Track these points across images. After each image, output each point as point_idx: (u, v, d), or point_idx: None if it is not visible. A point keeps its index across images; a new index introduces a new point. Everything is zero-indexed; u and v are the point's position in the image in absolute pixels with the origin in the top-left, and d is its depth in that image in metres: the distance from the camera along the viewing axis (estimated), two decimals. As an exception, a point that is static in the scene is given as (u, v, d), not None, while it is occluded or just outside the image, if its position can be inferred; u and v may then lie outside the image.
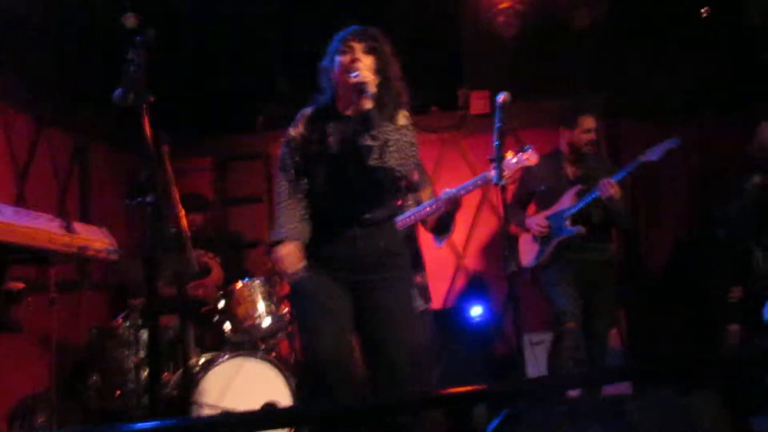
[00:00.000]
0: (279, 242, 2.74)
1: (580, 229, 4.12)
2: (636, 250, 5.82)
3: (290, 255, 2.71)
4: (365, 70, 2.70)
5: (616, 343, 5.11)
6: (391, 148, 2.65)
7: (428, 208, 3.75)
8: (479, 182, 3.70)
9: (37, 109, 5.00)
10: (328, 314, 2.74)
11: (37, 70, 4.91)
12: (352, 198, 2.78)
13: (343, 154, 2.75)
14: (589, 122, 4.26)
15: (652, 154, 4.05)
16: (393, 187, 2.87)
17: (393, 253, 2.83)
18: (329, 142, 2.79)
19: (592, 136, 4.27)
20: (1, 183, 4.61)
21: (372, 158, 2.65)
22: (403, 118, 2.82)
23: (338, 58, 2.78)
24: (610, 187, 4.01)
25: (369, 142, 2.64)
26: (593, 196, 4.08)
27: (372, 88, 2.68)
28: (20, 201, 4.72)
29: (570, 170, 4.32)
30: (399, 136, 2.70)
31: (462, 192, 3.69)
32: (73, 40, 4.97)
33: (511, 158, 3.59)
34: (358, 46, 2.77)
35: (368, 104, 2.67)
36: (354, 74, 2.69)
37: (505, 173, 3.32)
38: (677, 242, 5.72)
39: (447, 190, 3.70)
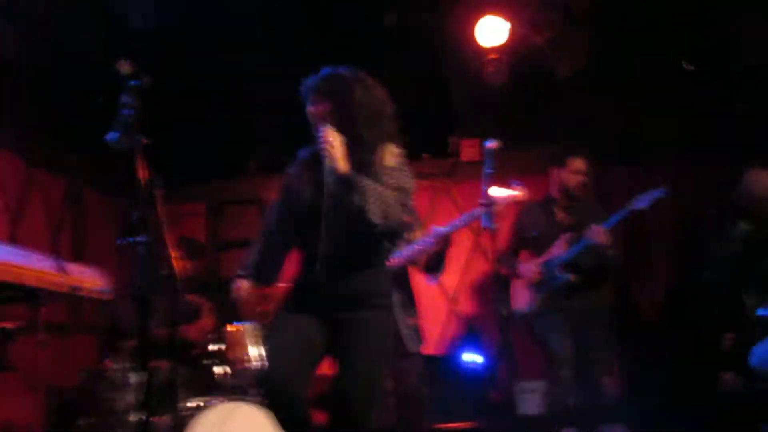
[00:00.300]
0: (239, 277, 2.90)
1: (570, 277, 4.14)
2: (627, 297, 5.83)
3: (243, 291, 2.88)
4: (330, 132, 2.63)
5: (611, 390, 5.08)
6: (372, 205, 2.54)
7: (419, 247, 3.80)
8: (468, 219, 3.77)
9: (29, 152, 5.05)
10: (287, 349, 2.75)
11: (29, 114, 4.99)
12: (333, 242, 2.69)
13: (325, 204, 2.68)
14: (578, 164, 4.31)
15: (640, 203, 4.10)
16: (375, 236, 2.73)
17: (373, 294, 2.77)
18: (312, 190, 2.77)
19: (581, 177, 4.30)
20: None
21: (352, 216, 2.58)
22: (390, 156, 2.71)
23: (308, 108, 2.79)
24: (600, 234, 4.04)
25: (351, 201, 2.56)
26: (584, 243, 4.11)
27: (336, 153, 2.60)
28: (13, 242, 4.75)
29: (561, 216, 4.36)
30: (381, 189, 2.59)
31: (451, 229, 3.75)
32: (64, 85, 5.05)
33: (501, 193, 3.66)
34: (319, 97, 2.75)
35: (341, 167, 2.59)
36: (319, 136, 2.64)
37: (495, 207, 3.38)
38: (669, 290, 5.73)
39: (436, 228, 3.76)
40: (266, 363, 2.91)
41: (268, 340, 2.86)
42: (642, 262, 5.85)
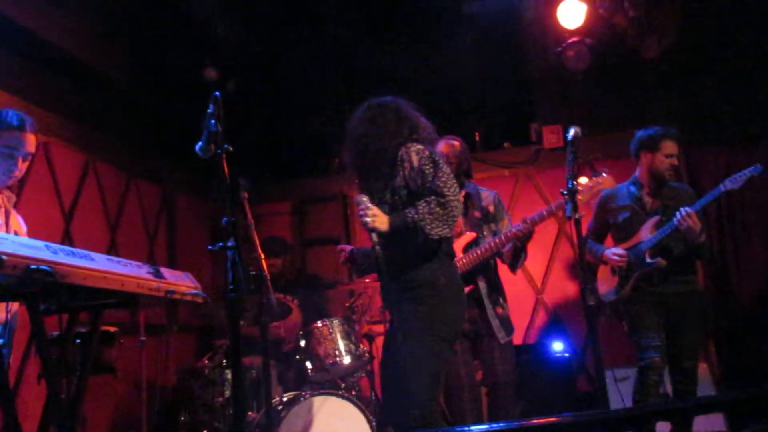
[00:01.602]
0: None
1: (659, 261, 4.00)
2: (725, 281, 5.61)
3: None
4: (362, 201, 2.87)
5: (705, 378, 4.92)
6: (429, 226, 2.80)
7: (503, 238, 3.78)
8: (552, 210, 3.72)
9: (127, 162, 5.31)
10: None
11: (126, 128, 5.24)
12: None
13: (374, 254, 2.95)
14: (671, 147, 4.14)
15: (733, 183, 3.92)
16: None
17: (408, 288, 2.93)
18: None
19: (674, 161, 4.14)
20: (95, 233, 4.90)
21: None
22: (415, 156, 2.92)
23: None
24: (687, 218, 3.89)
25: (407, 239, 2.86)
26: (672, 227, 3.97)
27: (374, 219, 2.84)
28: (113, 249, 5.01)
29: (648, 200, 4.22)
30: (423, 209, 2.81)
31: (536, 220, 3.72)
32: (155, 97, 5.28)
33: (586, 183, 3.59)
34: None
35: (382, 226, 2.85)
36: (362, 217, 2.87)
37: (580, 198, 3.33)
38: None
39: (525, 218, 3.75)
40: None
41: None
42: (739, 246, 5.61)
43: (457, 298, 2.98)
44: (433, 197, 2.81)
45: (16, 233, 2.93)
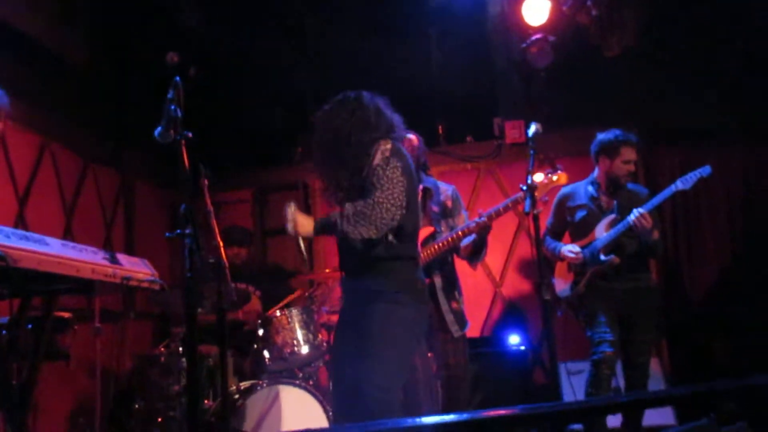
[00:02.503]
0: None
1: (613, 258, 4.09)
2: (678, 278, 5.74)
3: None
4: (287, 210, 2.94)
5: (657, 372, 5.04)
6: (349, 230, 2.81)
7: (460, 233, 3.80)
8: (510, 204, 3.75)
9: (85, 147, 5.22)
10: None
11: (85, 112, 5.14)
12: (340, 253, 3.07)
13: None
14: (629, 153, 4.22)
15: (684, 183, 4.03)
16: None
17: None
18: None
19: (631, 167, 4.23)
20: (50, 217, 4.82)
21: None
22: (379, 154, 2.90)
23: None
24: (641, 219, 3.99)
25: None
26: (626, 225, 4.06)
27: (294, 225, 2.92)
28: (68, 234, 4.92)
29: (604, 200, 4.31)
30: (350, 212, 2.82)
31: (493, 214, 3.74)
32: (115, 81, 5.19)
33: (541, 180, 3.64)
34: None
35: (304, 231, 2.93)
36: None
37: (537, 192, 3.37)
38: (720, 270, 5.62)
39: (480, 212, 3.77)
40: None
41: None
42: (692, 244, 5.74)
43: (410, 303, 2.94)
44: (364, 200, 2.83)
45: None
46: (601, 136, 4.31)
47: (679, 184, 4.04)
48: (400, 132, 3.08)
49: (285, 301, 4.76)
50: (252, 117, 6.05)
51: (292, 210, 2.90)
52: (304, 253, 2.89)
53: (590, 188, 4.33)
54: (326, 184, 3.07)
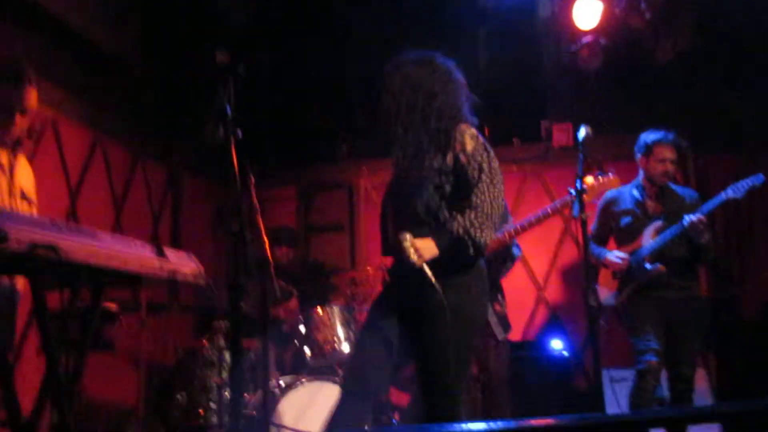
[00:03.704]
0: None
1: (659, 267, 4.00)
2: (728, 289, 5.59)
3: None
4: (403, 240, 2.54)
5: (702, 385, 4.90)
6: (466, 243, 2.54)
7: (504, 234, 3.78)
8: (558, 207, 3.71)
9: (135, 142, 5.31)
10: None
11: (135, 108, 5.24)
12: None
13: None
14: (664, 152, 4.13)
15: (735, 192, 3.91)
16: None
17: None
18: None
19: (666, 166, 4.13)
20: (100, 211, 4.92)
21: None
22: (469, 140, 2.64)
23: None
24: (699, 222, 3.88)
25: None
26: (673, 233, 3.96)
27: (416, 256, 2.53)
28: (117, 227, 5.01)
29: (650, 205, 4.21)
30: (460, 225, 2.55)
31: (540, 217, 3.70)
32: (165, 79, 5.27)
33: (592, 182, 3.58)
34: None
35: (420, 260, 2.55)
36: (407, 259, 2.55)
37: (586, 198, 3.32)
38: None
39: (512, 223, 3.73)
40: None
41: None
42: (744, 255, 5.58)
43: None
44: (477, 198, 2.57)
45: (22, 191, 2.90)
46: (641, 136, 4.24)
47: (730, 192, 3.93)
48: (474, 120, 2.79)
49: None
50: (297, 115, 6.09)
51: (408, 239, 2.52)
52: (432, 278, 2.52)
53: (635, 192, 4.23)
54: (400, 147, 2.70)
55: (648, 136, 4.21)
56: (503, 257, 3.87)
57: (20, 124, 2.86)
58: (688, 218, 3.89)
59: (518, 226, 3.74)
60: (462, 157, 2.61)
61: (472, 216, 2.55)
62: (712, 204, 3.96)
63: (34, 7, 4.12)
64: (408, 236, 2.54)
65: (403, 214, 2.71)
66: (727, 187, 3.95)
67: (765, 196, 5.30)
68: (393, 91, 2.74)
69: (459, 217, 2.57)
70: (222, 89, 2.56)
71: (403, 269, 2.60)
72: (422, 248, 2.53)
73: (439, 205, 2.63)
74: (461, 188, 2.63)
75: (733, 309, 5.50)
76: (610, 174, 3.72)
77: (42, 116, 4.46)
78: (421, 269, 2.52)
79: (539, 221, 3.74)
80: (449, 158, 2.64)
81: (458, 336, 2.57)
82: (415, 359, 2.72)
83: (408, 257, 2.51)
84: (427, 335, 2.63)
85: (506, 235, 3.78)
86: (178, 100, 5.42)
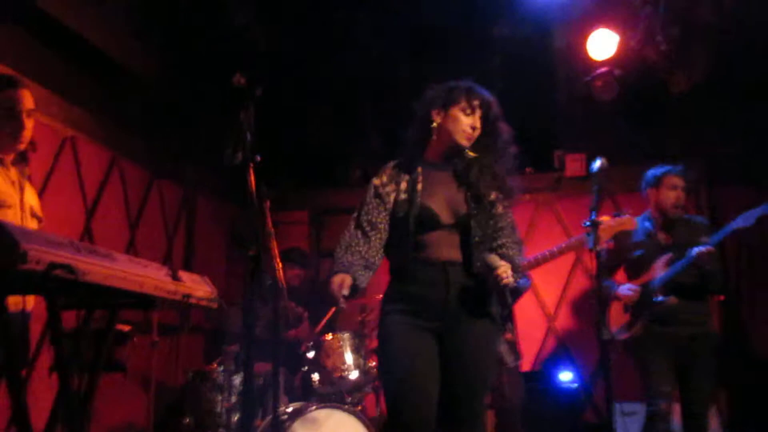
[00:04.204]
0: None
1: (670, 299, 3.96)
2: (738, 325, 5.54)
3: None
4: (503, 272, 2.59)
5: (714, 425, 4.83)
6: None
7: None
8: (573, 244, 3.69)
9: (151, 162, 5.35)
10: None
11: (152, 128, 5.28)
12: None
13: None
14: (675, 180, 4.12)
15: (744, 221, 3.86)
16: None
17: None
18: None
19: (679, 193, 4.11)
20: (115, 230, 4.94)
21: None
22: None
23: (461, 117, 2.80)
24: (706, 254, 3.85)
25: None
26: (683, 265, 3.92)
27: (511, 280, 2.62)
28: (131, 246, 5.03)
29: (662, 236, 4.18)
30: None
31: (555, 253, 3.69)
32: (181, 100, 5.32)
33: (607, 221, 3.56)
34: (478, 113, 2.81)
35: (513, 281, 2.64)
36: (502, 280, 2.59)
37: (602, 237, 3.30)
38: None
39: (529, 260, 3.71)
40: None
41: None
42: (756, 290, 5.53)
43: None
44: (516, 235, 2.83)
45: (32, 209, 2.91)
46: (648, 171, 4.23)
47: (740, 221, 3.87)
48: None
49: (325, 320, 4.75)
50: (311, 140, 6.12)
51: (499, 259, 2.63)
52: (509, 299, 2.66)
53: (647, 224, 4.21)
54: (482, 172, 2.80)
55: (656, 170, 4.22)
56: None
57: (29, 127, 2.85)
58: (696, 250, 3.87)
59: (533, 260, 3.72)
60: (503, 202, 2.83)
61: (520, 244, 2.80)
62: (722, 233, 3.92)
63: (54, 24, 4.16)
64: (495, 256, 2.65)
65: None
66: (737, 217, 3.90)
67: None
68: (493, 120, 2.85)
69: (515, 248, 2.76)
70: (242, 113, 2.58)
71: (474, 288, 2.68)
72: (509, 270, 2.60)
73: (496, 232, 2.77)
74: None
75: (743, 347, 5.44)
76: (626, 214, 3.69)
77: (61, 134, 4.51)
78: (506, 289, 2.57)
79: (554, 256, 3.72)
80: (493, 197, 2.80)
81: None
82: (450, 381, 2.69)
83: (504, 277, 2.55)
84: (480, 359, 2.70)
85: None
86: (194, 122, 5.47)
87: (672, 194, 4.10)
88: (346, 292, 2.69)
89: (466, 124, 2.78)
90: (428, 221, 2.75)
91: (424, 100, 2.91)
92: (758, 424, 5.17)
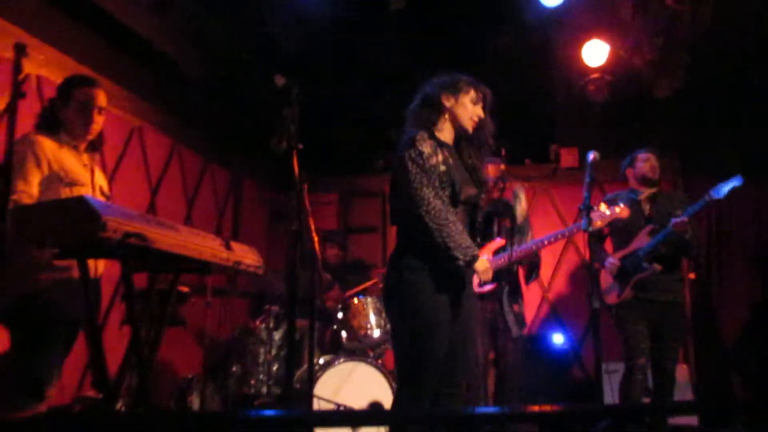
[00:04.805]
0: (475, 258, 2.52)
1: (655, 266, 3.92)
2: (708, 298, 5.49)
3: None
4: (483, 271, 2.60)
5: (683, 378, 4.82)
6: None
7: (523, 250, 3.77)
8: (570, 232, 3.70)
9: (205, 149, 5.37)
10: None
11: (206, 119, 5.29)
12: None
13: None
14: (643, 155, 4.11)
15: (716, 193, 3.78)
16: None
17: None
18: None
19: (651, 161, 4.08)
20: (175, 206, 4.97)
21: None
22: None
23: (470, 106, 2.71)
24: (680, 224, 3.80)
25: None
26: (664, 235, 3.88)
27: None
28: (188, 220, 5.06)
29: (645, 206, 4.13)
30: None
31: (553, 238, 3.69)
32: (229, 96, 5.32)
33: (604, 210, 3.52)
34: (480, 104, 2.73)
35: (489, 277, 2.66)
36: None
37: (597, 222, 3.29)
38: (752, 305, 5.33)
39: (534, 241, 3.71)
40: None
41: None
42: (723, 266, 5.48)
43: None
44: None
45: (101, 188, 2.93)
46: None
47: (713, 194, 3.78)
48: None
49: (360, 287, 4.78)
50: (341, 132, 6.11)
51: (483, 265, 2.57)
52: None
53: (632, 195, 4.16)
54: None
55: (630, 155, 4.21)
56: (531, 268, 3.88)
57: (98, 122, 2.86)
58: (674, 220, 3.83)
59: (545, 241, 3.71)
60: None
61: None
62: (697, 205, 3.84)
63: (124, 30, 4.18)
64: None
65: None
66: (710, 190, 3.80)
67: (742, 213, 5.25)
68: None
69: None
70: (285, 109, 2.58)
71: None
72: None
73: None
74: None
75: (712, 325, 5.39)
76: (621, 205, 3.65)
77: (131, 125, 4.53)
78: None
79: (564, 237, 3.74)
80: None
81: None
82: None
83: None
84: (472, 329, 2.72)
85: (533, 247, 3.77)
86: (241, 115, 5.47)
87: (646, 165, 4.08)
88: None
89: (473, 112, 2.71)
90: (465, 197, 2.61)
91: (435, 84, 2.77)
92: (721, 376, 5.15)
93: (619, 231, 4.15)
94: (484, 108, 2.74)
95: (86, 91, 2.80)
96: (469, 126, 2.71)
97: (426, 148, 2.57)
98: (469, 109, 2.71)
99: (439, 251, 2.47)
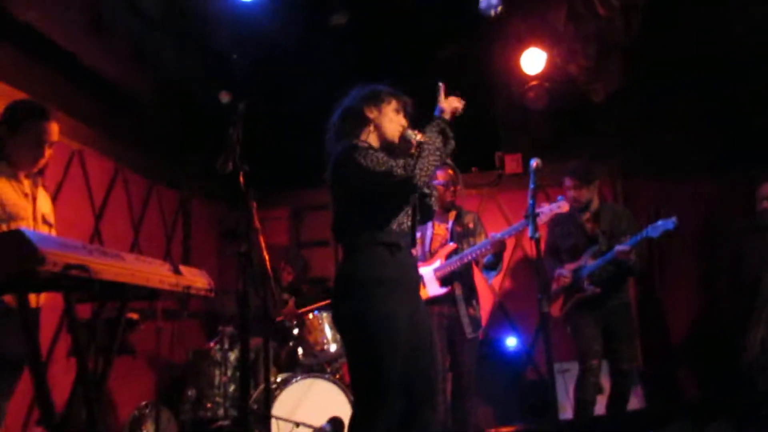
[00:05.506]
0: None
1: (594, 289, 4.04)
2: (652, 296, 5.63)
3: None
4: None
5: (636, 376, 4.91)
6: None
7: (480, 250, 3.81)
8: (518, 229, 3.75)
9: (151, 171, 5.24)
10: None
11: (151, 141, 5.17)
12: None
13: None
14: (567, 182, 4.22)
15: (653, 231, 3.92)
16: None
17: None
18: None
19: (570, 193, 4.19)
20: (121, 232, 4.84)
21: None
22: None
23: (394, 116, 2.72)
24: (623, 253, 3.92)
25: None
26: (607, 259, 4.00)
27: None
28: (135, 246, 4.92)
29: (588, 226, 4.24)
30: None
31: (506, 236, 3.75)
32: (175, 116, 5.22)
33: (545, 207, 3.63)
34: (403, 113, 2.76)
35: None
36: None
37: (541, 219, 3.36)
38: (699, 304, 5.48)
39: (493, 234, 3.76)
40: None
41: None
42: (665, 263, 5.64)
43: None
44: None
45: (43, 216, 2.81)
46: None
47: (650, 231, 3.93)
48: None
49: (315, 306, 4.72)
50: (290, 146, 6.04)
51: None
52: None
53: (574, 216, 4.24)
54: None
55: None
56: (497, 259, 3.93)
57: (47, 155, 2.78)
58: (617, 248, 3.93)
59: (506, 235, 3.76)
60: None
61: None
62: (634, 240, 3.96)
63: (67, 55, 4.05)
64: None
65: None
66: (648, 226, 3.94)
67: (682, 214, 5.39)
68: None
69: None
70: (230, 128, 2.54)
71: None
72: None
73: None
74: None
75: (660, 327, 5.52)
76: (561, 200, 3.74)
77: (70, 149, 4.38)
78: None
79: (517, 232, 3.79)
80: None
81: None
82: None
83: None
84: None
85: (488, 245, 3.80)
86: (187, 134, 5.36)
87: (568, 194, 4.19)
88: None
89: (398, 122, 2.70)
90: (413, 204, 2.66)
91: (355, 97, 2.77)
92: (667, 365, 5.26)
93: (567, 250, 4.23)
94: (405, 117, 2.72)
95: (40, 126, 2.70)
96: (395, 136, 2.68)
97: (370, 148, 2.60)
98: (393, 119, 2.70)
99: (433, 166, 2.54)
